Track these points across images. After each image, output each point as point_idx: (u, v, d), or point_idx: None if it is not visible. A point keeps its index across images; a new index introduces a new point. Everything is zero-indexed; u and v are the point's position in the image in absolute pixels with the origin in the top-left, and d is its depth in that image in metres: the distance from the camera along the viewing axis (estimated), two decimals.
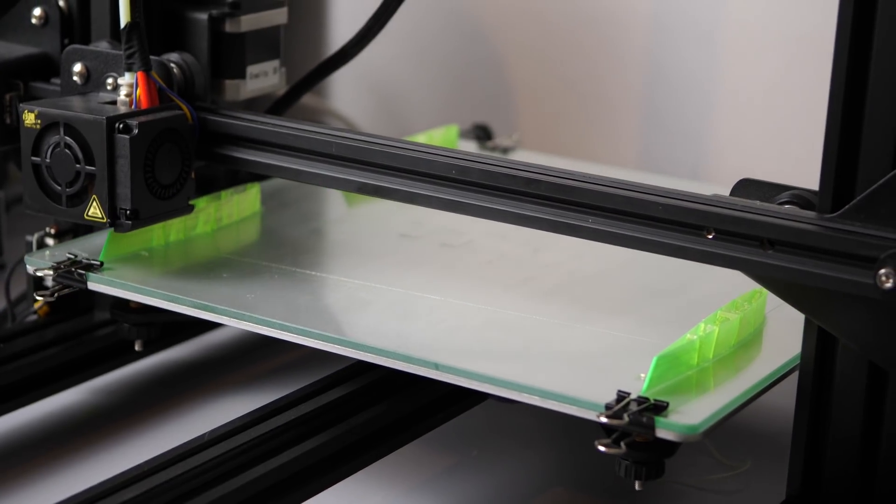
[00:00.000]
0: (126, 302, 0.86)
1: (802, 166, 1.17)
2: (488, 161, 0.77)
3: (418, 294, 0.83)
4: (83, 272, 0.83)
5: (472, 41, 1.31)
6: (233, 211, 0.94)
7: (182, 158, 0.82)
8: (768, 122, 1.20)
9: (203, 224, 0.91)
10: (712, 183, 1.20)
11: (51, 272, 0.83)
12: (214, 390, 0.96)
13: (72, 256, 0.84)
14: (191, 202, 0.84)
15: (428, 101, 1.34)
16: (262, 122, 0.82)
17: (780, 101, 1.19)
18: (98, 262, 0.84)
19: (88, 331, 0.93)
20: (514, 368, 0.73)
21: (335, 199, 1.01)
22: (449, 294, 0.83)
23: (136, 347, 0.88)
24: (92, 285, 0.83)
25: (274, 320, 0.78)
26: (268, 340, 1.01)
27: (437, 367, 0.73)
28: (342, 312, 0.81)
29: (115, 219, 0.80)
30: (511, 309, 0.82)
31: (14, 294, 0.97)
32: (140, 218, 0.80)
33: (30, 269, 0.85)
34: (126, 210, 0.79)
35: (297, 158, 0.81)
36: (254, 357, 1.01)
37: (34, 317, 0.93)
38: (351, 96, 1.36)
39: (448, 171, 0.77)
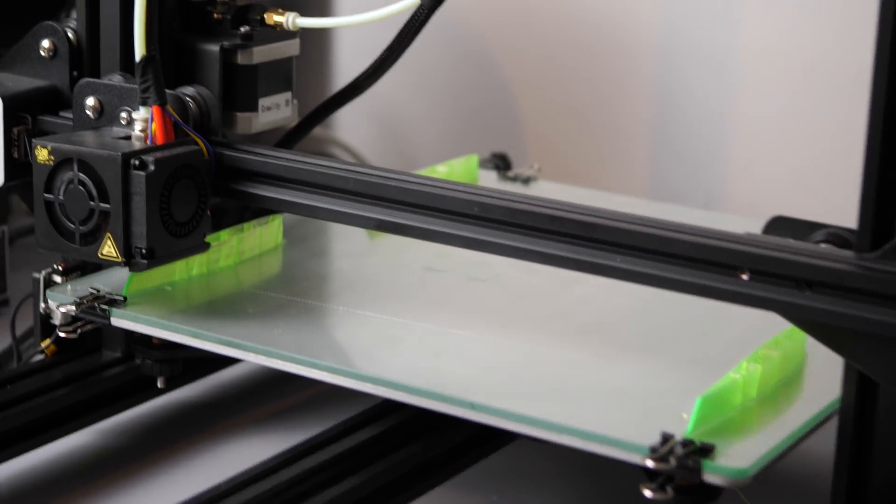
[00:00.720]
0: (149, 337, 0.85)
1: (817, 194, 1.17)
2: (510, 198, 0.76)
3: (449, 330, 0.83)
4: (106, 307, 0.82)
5: (480, 71, 1.31)
6: (255, 244, 0.94)
7: (198, 195, 0.81)
8: (782, 150, 1.20)
9: (225, 257, 0.91)
10: (726, 212, 1.20)
11: (74, 308, 0.82)
12: (228, 431, 0.94)
13: (94, 291, 0.84)
14: (211, 236, 0.83)
15: (435, 131, 1.34)
16: (279, 158, 0.82)
17: (795, 128, 1.19)
18: (121, 298, 0.83)
19: (97, 370, 0.91)
20: (552, 408, 0.72)
21: (356, 231, 1.00)
22: (480, 330, 0.83)
23: (159, 384, 0.87)
24: (115, 321, 0.82)
25: (303, 357, 0.77)
26: (281, 377, 1.01)
27: (472, 406, 0.73)
28: (372, 349, 0.81)
29: (129, 258, 0.79)
30: (545, 346, 0.81)
31: (19, 331, 0.96)
32: (156, 257, 0.79)
33: (52, 304, 0.84)
34: (141, 249, 0.78)
35: (314, 195, 0.81)
36: (267, 396, 1.00)
37: (41, 356, 0.92)
38: (356, 126, 1.35)
39: (469, 208, 0.76)
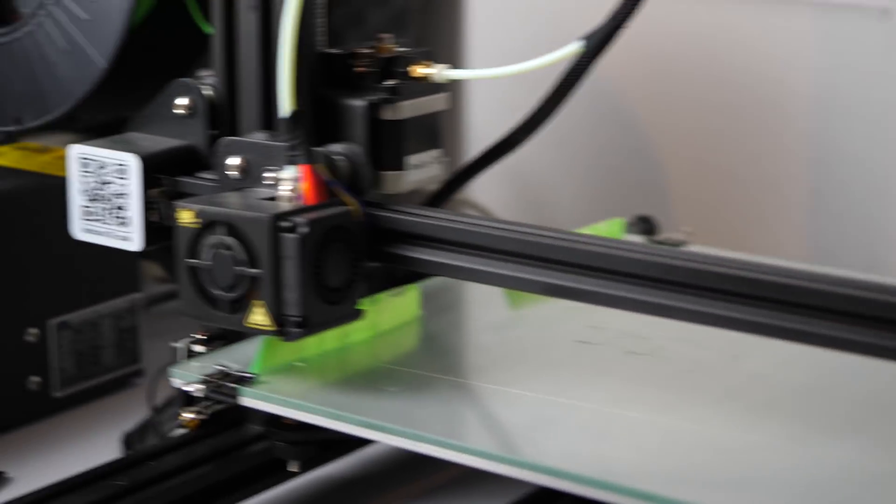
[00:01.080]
0: (280, 417, 0.81)
1: None
2: (696, 259, 0.72)
3: (611, 410, 0.78)
4: (235, 386, 0.79)
5: (621, 130, 1.29)
6: (391, 316, 0.90)
7: (352, 259, 0.78)
8: None
9: (360, 331, 0.87)
10: (892, 276, 1.15)
11: (200, 386, 0.79)
12: None
13: (222, 368, 0.80)
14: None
15: (574, 193, 1.32)
16: (439, 218, 0.78)
17: None
18: (250, 375, 0.80)
19: (241, 446, 0.87)
20: (735, 499, 0.67)
21: (497, 302, 0.96)
22: (645, 410, 0.78)
23: (293, 469, 0.84)
24: (245, 401, 0.79)
25: (453, 442, 0.73)
26: (421, 457, 0.95)
27: (647, 496, 0.67)
28: (527, 431, 0.76)
29: (281, 326, 0.75)
30: (719, 427, 0.76)
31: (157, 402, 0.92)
32: (309, 325, 0.76)
33: (177, 382, 0.80)
34: (293, 317, 0.75)
35: (477, 257, 0.77)
36: (414, 473, 0.95)
37: (182, 430, 0.88)
38: (491, 188, 1.32)
39: (650, 270, 0.72)
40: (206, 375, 0.80)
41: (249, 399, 0.79)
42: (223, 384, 0.79)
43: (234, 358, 0.82)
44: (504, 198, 1.33)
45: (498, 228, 0.76)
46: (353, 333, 0.86)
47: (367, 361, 0.85)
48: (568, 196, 1.31)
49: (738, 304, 0.69)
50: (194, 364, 0.82)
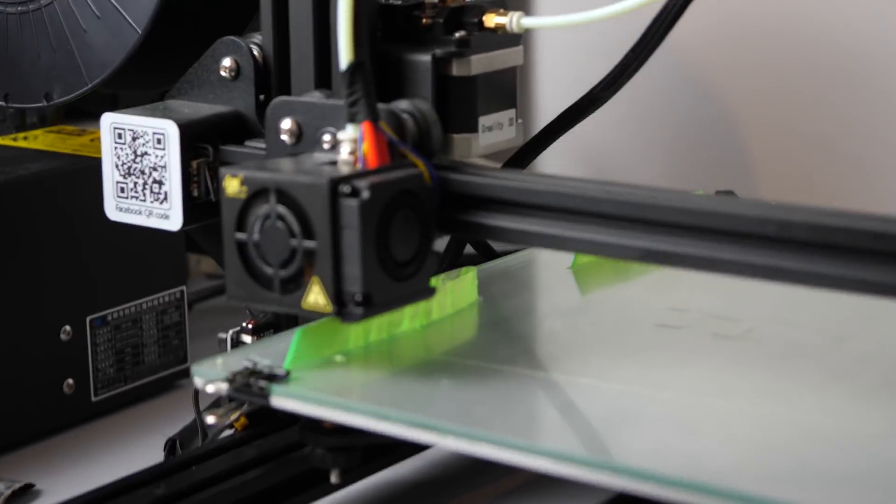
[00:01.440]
0: (318, 421, 0.74)
1: None
2: (819, 213, 0.64)
3: (701, 401, 0.71)
4: (265, 384, 0.71)
5: (698, 98, 1.23)
6: (446, 302, 0.83)
7: (421, 228, 0.71)
8: None
9: (410, 319, 0.80)
10: None
11: (225, 385, 0.72)
12: None
13: (250, 365, 0.73)
14: None
15: (649, 169, 1.26)
16: (520, 179, 0.71)
17: None
18: (283, 372, 0.72)
19: (294, 448, 0.81)
20: (853, 500, 0.61)
21: (565, 286, 0.90)
22: (739, 400, 0.71)
23: (333, 479, 0.76)
24: (276, 401, 0.71)
25: (519, 442, 0.66)
26: (482, 461, 0.88)
27: (749, 500, 0.60)
28: (605, 428, 0.69)
29: (341, 306, 0.69)
30: (826, 418, 0.69)
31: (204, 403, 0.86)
32: (373, 304, 0.69)
33: (198, 382, 0.73)
34: (355, 294, 0.69)
35: (565, 222, 0.70)
36: (485, 477, 0.88)
37: (230, 431, 0.83)
38: (557, 163, 1.27)
39: (764, 228, 0.65)
40: (232, 373, 0.72)
41: (281, 399, 0.71)
42: (251, 382, 0.71)
43: (265, 352, 0.75)
44: (575, 175, 1.28)
45: (588, 188, 0.70)
46: (402, 322, 0.80)
47: (418, 353, 0.79)
48: (643, 171, 1.26)
49: (873, 265, 0.62)
50: (219, 360, 0.74)
